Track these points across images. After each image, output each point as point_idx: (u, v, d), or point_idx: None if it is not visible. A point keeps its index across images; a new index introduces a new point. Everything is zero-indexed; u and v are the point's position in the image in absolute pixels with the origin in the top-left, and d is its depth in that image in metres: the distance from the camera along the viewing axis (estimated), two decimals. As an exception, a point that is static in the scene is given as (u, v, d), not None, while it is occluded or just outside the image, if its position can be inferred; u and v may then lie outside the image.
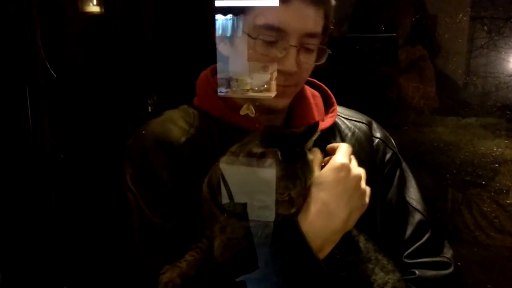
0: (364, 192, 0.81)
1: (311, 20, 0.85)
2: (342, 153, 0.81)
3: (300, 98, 0.96)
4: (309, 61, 0.89)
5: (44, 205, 1.16)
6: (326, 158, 0.82)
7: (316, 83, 1.01)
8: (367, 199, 0.82)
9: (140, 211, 0.85)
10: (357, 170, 0.81)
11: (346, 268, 0.80)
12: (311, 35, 0.86)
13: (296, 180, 0.75)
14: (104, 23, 1.36)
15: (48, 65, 1.15)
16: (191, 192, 0.83)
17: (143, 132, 0.90)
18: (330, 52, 0.89)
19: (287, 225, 0.76)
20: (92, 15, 1.35)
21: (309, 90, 0.98)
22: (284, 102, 0.92)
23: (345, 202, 0.78)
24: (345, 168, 0.79)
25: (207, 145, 0.88)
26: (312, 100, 0.97)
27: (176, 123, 0.90)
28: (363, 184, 0.81)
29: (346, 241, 0.80)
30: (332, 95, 1.00)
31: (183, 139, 0.87)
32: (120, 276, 0.97)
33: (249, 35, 0.85)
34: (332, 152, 0.82)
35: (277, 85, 0.87)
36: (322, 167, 0.82)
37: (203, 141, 0.88)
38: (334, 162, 0.79)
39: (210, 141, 0.88)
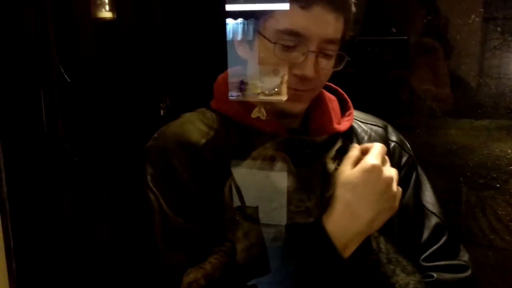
0: (394, 194, 0.79)
1: (331, 26, 0.84)
2: (375, 153, 0.79)
3: (318, 102, 0.96)
4: (328, 67, 0.88)
5: (58, 208, 1.17)
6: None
7: (332, 87, 1.01)
8: (397, 202, 0.80)
9: (162, 212, 0.85)
10: (389, 172, 0.79)
11: (369, 268, 0.79)
12: (330, 41, 0.86)
13: (310, 194, 0.74)
14: (116, 28, 1.38)
15: (62, 70, 1.16)
16: (212, 193, 0.83)
17: (164, 133, 0.90)
18: (349, 59, 0.89)
19: (311, 224, 0.75)
20: (105, 20, 1.36)
21: (326, 94, 0.98)
22: (301, 107, 0.92)
23: (371, 205, 0.76)
24: (376, 169, 0.77)
25: (226, 147, 0.88)
26: (329, 104, 0.97)
27: (195, 125, 0.90)
28: (394, 186, 0.79)
29: (368, 242, 0.79)
30: (348, 99, 1.00)
31: (203, 140, 0.87)
32: (137, 277, 0.97)
33: (268, 39, 0.85)
34: (366, 152, 0.80)
35: (295, 90, 0.87)
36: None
37: (223, 143, 0.88)
38: (365, 163, 0.77)
39: (229, 143, 0.89)
